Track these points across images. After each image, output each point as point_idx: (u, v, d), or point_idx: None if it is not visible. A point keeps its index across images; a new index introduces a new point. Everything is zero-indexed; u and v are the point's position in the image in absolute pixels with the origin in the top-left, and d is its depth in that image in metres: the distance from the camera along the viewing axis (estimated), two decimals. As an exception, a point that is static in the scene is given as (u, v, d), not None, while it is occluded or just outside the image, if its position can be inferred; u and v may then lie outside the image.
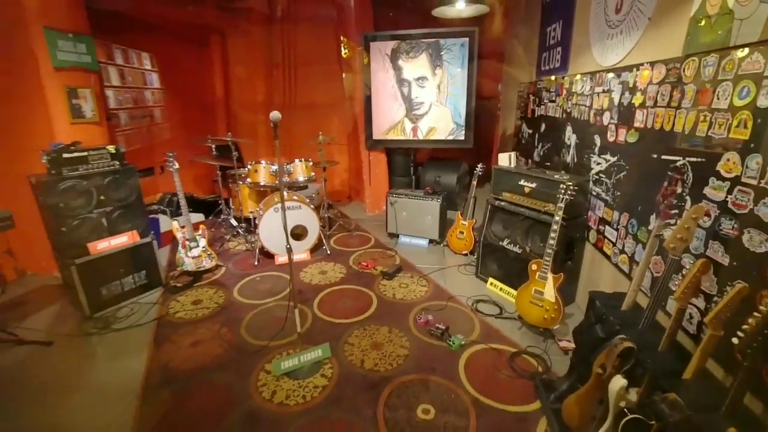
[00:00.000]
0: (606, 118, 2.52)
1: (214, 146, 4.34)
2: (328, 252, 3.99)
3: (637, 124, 2.18)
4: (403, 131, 4.88)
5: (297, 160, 4.06)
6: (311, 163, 4.12)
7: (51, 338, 2.61)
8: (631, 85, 2.24)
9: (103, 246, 2.90)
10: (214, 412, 2.01)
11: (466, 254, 3.95)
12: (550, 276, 2.49)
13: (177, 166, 3.36)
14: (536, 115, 3.95)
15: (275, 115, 2.13)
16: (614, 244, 2.44)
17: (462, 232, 3.96)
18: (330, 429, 1.92)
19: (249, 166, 4.01)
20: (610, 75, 2.47)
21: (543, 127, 3.76)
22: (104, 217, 2.93)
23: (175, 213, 4.48)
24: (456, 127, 4.68)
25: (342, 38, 4.99)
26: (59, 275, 3.14)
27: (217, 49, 5.51)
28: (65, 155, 2.72)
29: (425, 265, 3.71)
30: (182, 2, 4.55)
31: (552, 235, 2.44)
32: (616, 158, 2.41)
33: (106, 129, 3.55)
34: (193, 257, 3.46)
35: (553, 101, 3.47)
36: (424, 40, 4.52)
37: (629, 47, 2.28)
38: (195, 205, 5.02)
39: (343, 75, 5.21)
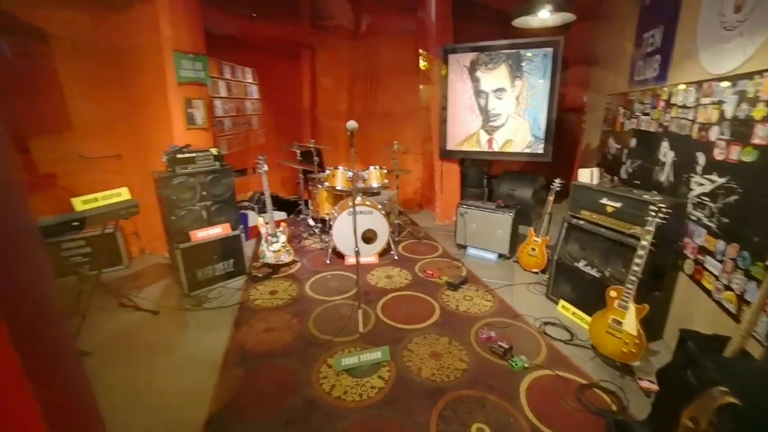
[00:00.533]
0: (714, 134, 2.19)
1: (299, 151, 4.67)
2: (396, 257, 4.03)
3: (756, 141, 1.85)
4: (477, 142, 4.75)
5: (372, 167, 4.20)
6: (385, 171, 4.23)
7: (158, 308, 3.06)
8: (750, 96, 1.92)
9: (202, 235, 3.30)
10: (279, 394, 2.17)
11: (536, 272, 3.70)
12: (632, 306, 2.22)
13: (266, 168, 3.68)
14: (626, 129, 3.57)
15: (352, 124, 2.23)
16: (717, 278, 2.09)
17: (534, 249, 3.71)
18: (382, 428, 1.92)
19: (328, 171, 4.24)
20: (723, 84, 2.14)
21: (633, 142, 3.38)
22: (204, 209, 3.32)
23: (262, 210, 4.90)
24: (534, 140, 4.43)
25: (421, 51, 5.06)
26: (168, 256, 3.62)
27: (306, 62, 5.96)
28: (179, 155, 3.14)
29: (492, 280, 3.56)
30: (281, 22, 4.99)
31: (637, 260, 2.18)
32: (725, 179, 2.08)
33: (211, 134, 4.05)
34: (274, 251, 3.74)
35: (647, 114, 3.10)
36: (504, 51, 4.37)
37: (750, 52, 1.96)
38: (279, 204, 5.43)
39: (420, 86, 5.26)
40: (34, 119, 3.23)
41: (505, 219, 3.93)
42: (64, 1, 3.22)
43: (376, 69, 5.76)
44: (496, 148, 4.67)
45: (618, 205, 2.67)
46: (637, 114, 3.31)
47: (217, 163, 3.37)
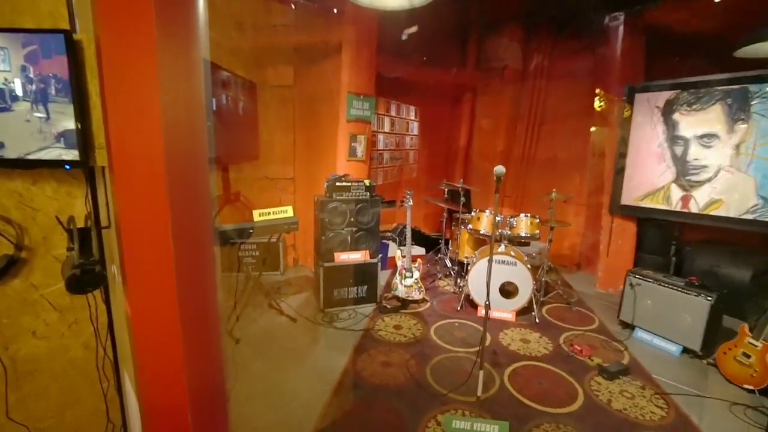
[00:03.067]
0: None
1: (446, 189, 4.75)
2: (537, 320, 3.62)
3: None
4: (666, 200, 3.91)
5: (522, 215, 3.97)
6: (537, 220, 3.93)
7: (296, 317, 3.45)
8: None
9: (344, 257, 3.62)
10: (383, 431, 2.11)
11: (750, 390, 2.69)
12: None
13: (411, 203, 3.84)
14: None
15: (499, 169, 2.18)
16: None
17: (748, 356, 2.73)
18: None
19: (473, 213, 4.18)
20: None
21: None
22: (350, 234, 3.66)
23: (402, 243, 5.10)
24: (762, 203, 3.37)
25: (598, 90, 4.61)
26: (313, 271, 4.11)
27: (467, 103, 6.11)
28: (337, 183, 3.60)
29: (669, 380, 2.77)
30: (448, 66, 5.32)
31: None
32: None
33: (367, 166, 4.51)
34: (406, 286, 3.81)
35: None
36: (720, 87, 3.55)
37: None
38: (419, 239, 5.57)
39: (592, 129, 4.78)
40: (235, 150, 4.20)
41: (700, 303, 3.04)
42: (279, 58, 4.22)
43: (542, 110, 5.51)
44: (695, 209, 3.75)
45: None
46: None
47: (368, 194, 3.71)
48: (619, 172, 4.23)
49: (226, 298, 3.34)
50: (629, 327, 3.50)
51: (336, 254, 3.59)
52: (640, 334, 3.39)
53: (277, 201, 4.09)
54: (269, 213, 3.29)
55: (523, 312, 3.73)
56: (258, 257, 4.31)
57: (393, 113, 5.71)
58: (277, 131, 4.40)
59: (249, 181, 4.30)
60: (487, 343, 3.19)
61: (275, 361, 2.79)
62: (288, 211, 3.42)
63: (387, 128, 5.59)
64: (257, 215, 3.19)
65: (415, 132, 6.26)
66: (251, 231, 3.06)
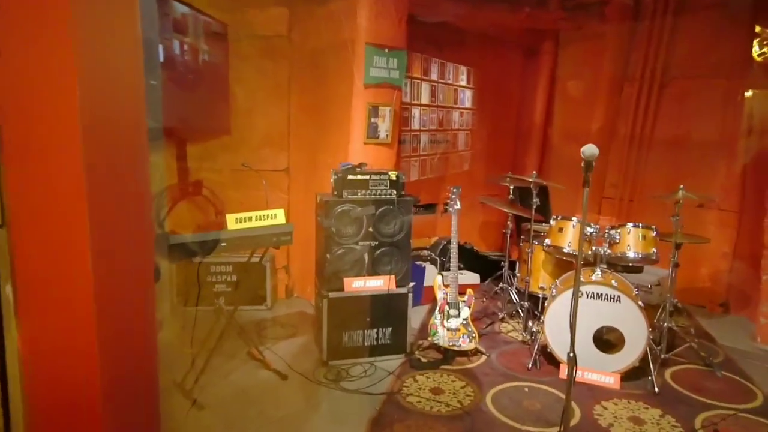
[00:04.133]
0: None
1: (512, 187, 4.64)
2: (656, 389, 3.48)
3: None
4: None
5: (630, 225, 3.88)
6: (655, 234, 3.84)
7: (288, 372, 3.47)
8: None
9: (358, 285, 3.60)
10: None
11: None
12: None
13: (458, 206, 3.79)
14: None
15: (590, 150, 2.12)
16: None
17: None
18: None
19: (552, 222, 4.10)
20: None
21: None
22: (367, 252, 3.63)
23: (444, 265, 5.03)
24: None
25: (759, 29, 4.46)
26: (314, 305, 4.11)
27: (546, 59, 6.07)
28: (350, 176, 3.59)
29: None
30: (517, 5, 5.24)
31: None
32: None
33: (395, 152, 4.51)
34: (450, 329, 3.75)
35: None
36: None
37: None
38: (472, 261, 5.49)
39: (747, 93, 4.62)
40: (194, 120, 4.12)
41: None
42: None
43: (664, 65, 5.40)
44: None
45: None
46: None
47: (394, 192, 3.67)
48: None
49: (183, 341, 3.35)
50: (812, 404, 3.28)
51: (347, 280, 3.57)
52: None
53: (262, 201, 4.11)
54: (250, 218, 3.30)
55: (633, 375, 3.61)
56: (234, 283, 4.33)
57: (434, 77, 5.68)
58: (263, 100, 4.46)
59: (218, 169, 4.36)
60: (575, 420, 3.08)
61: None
62: (278, 217, 3.42)
63: (425, 99, 5.57)
64: (232, 221, 3.20)
65: (468, 104, 6.21)
66: (222, 244, 3.06)
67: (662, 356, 3.83)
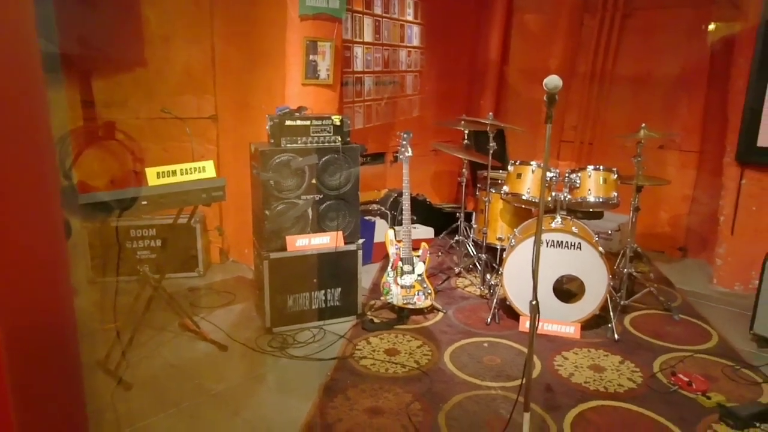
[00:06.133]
0: None
1: (467, 132, 4.65)
2: (616, 337, 3.66)
3: None
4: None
5: (591, 168, 3.95)
6: (616, 177, 3.93)
7: (227, 342, 3.42)
8: None
9: (302, 244, 3.55)
10: None
11: None
12: None
13: (410, 153, 3.76)
14: None
15: (553, 81, 2.08)
16: None
17: None
18: None
19: (511, 168, 4.14)
20: None
21: None
22: (311, 206, 3.57)
23: (396, 219, 5.04)
24: None
25: None
26: (253, 268, 4.08)
27: (501, -11, 5.98)
28: (288, 122, 3.48)
29: None
30: None
31: None
32: None
33: (338, 95, 4.40)
34: (404, 286, 3.78)
35: None
36: None
37: None
38: (426, 213, 5.53)
39: (712, 25, 4.76)
40: (101, 44, 3.86)
41: None
42: None
43: None
44: None
45: None
46: None
47: (339, 139, 3.59)
48: (755, 92, 4.21)
49: (104, 315, 3.23)
50: (770, 344, 3.55)
51: (289, 239, 3.51)
52: (788, 355, 3.44)
53: (187, 154, 3.95)
54: (174, 172, 3.15)
55: (594, 324, 3.77)
56: (159, 249, 4.20)
57: (378, 10, 5.52)
58: (183, 27, 4.21)
59: (133, 111, 4.13)
60: (536, 372, 3.20)
61: (191, 415, 2.72)
62: (207, 170, 3.28)
63: (369, 36, 5.42)
64: (153, 176, 3.04)
65: (416, 42, 6.10)
66: (144, 203, 2.91)
67: (622, 303, 4.02)
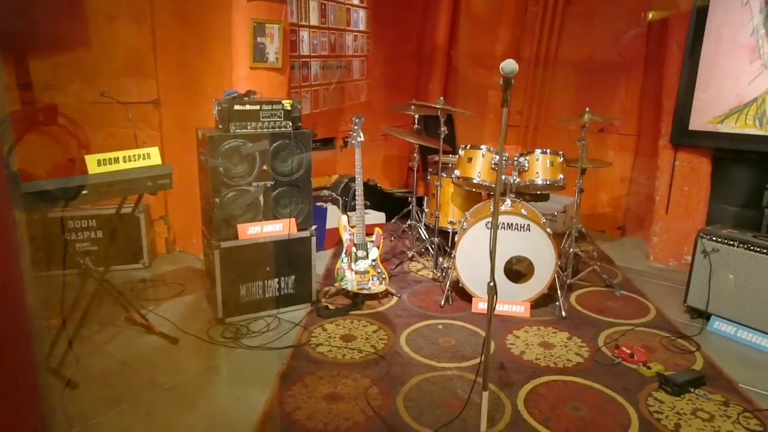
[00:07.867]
0: None
1: (416, 116, 4.66)
2: (564, 314, 3.79)
3: None
4: (761, 119, 4.12)
5: (538, 152, 4.05)
6: (561, 160, 4.03)
7: (178, 335, 3.33)
8: None
9: (254, 231, 3.49)
10: None
11: None
12: None
13: (362, 138, 3.74)
14: None
15: (509, 65, 2.08)
16: None
17: None
18: None
19: (461, 152, 4.17)
20: None
21: None
22: (262, 193, 3.50)
23: (348, 205, 5.02)
24: None
25: None
26: (203, 258, 3.98)
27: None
28: (236, 107, 3.38)
29: (763, 391, 3.01)
30: None
31: None
32: None
33: (287, 78, 4.32)
34: (358, 272, 3.80)
35: None
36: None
37: None
38: (377, 199, 5.54)
39: (647, 14, 4.92)
40: (39, 18, 3.68)
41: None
42: None
43: None
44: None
45: None
46: None
47: (290, 124, 3.53)
48: (687, 77, 4.38)
49: (45, 312, 3.08)
50: (702, 316, 3.73)
51: (240, 227, 3.45)
52: (717, 325, 3.63)
53: (129, 140, 3.78)
54: (117, 160, 3.01)
55: (542, 302, 3.88)
56: (101, 240, 4.06)
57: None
58: (126, 7, 4.04)
59: (75, 95, 3.92)
60: (491, 352, 3.26)
61: (144, 411, 2.65)
62: (152, 156, 3.16)
63: (314, 20, 5.33)
64: (93, 164, 2.89)
65: (362, 27, 6.05)
66: (84, 192, 2.78)
67: (568, 281, 4.17)
